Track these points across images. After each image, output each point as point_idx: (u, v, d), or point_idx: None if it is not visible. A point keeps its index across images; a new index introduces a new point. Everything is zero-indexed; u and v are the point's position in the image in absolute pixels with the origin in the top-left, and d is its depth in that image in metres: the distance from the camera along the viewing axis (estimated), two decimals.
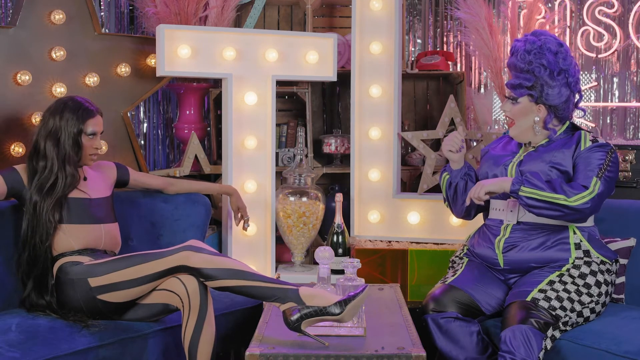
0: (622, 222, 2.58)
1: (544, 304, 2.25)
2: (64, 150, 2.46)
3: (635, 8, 3.96)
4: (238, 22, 3.86)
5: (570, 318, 2.27)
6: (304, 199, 3.33)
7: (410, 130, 3.71)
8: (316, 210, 3.34)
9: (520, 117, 2.48)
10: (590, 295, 2.31)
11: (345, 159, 3.80)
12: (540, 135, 2.48)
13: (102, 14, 3.89)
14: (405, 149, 3.98)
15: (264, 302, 2.49)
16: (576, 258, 2.37)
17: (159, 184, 2.91)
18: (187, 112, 3.85)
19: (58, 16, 3.04)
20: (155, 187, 2.91)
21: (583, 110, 2.55)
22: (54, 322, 2.30)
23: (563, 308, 2.26)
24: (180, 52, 3.14)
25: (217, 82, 3.85)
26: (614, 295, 2.51)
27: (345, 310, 2.14)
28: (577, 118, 3.92)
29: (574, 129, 2.50)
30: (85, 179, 2.57)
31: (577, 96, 2.49)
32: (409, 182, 3.78)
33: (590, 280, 2.33)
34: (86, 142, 2.50)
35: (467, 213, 2.65)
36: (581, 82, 4.07)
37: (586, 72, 4.14)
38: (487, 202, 2.60)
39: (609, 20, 4.01)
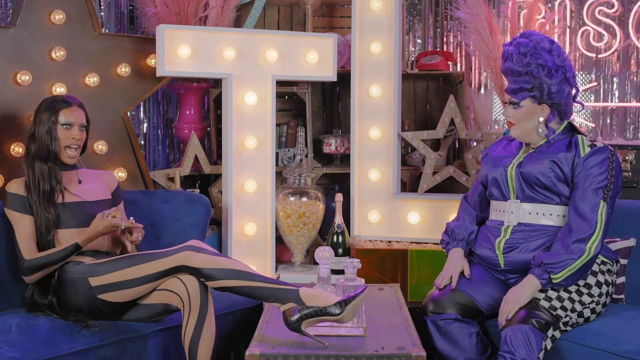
0: (622, 222, 2.57)
1: (544, 304, 2.24)
2: (40, 142, 2.47)
3: (635, 8, 3.95)
4: (238, 22, 3.86)
5: (570, 318, 2.27)
6: (304, 199, 3.32)
7: (410, 130, 3.71)
8: (316, 210, 3.34)
9: (524, 120, 2.45)
10: (590, 295, 2.31)
11: (345, 159, 3.80)
12: (542, 135, 2.47)
13: (102, 14, 3.89)
14: (405, 149, 3.98)
15: (264, 302, 2.49)
16: None
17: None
18: (187, 112, 3.85)
19: (58, 16, 3.04)
20: None
21: (581, 104, 2.54)
22: (54, 322, 2.30)
23: (564, 308, 2.26)
24: (180, 52, 3.14)
25: (217, 82, 3.85)
26: (614, 296, 2.51)
27: (345, 310, 2.14)
28: (576, 112, 3.91)
29: (572, 129, 2.49)
30: (80, 182, 2.59)
31: (574, 90, 2.49)
32: (409, 182, 3.78)
33: (591, 280, 2.33)
34: (61, 134, 2.50)
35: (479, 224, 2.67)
36: (581, 82, 4.09)
37: (586, 72, 4.14)
38: (489, 204, 2.60)
39: (609, 20, 4.01)
